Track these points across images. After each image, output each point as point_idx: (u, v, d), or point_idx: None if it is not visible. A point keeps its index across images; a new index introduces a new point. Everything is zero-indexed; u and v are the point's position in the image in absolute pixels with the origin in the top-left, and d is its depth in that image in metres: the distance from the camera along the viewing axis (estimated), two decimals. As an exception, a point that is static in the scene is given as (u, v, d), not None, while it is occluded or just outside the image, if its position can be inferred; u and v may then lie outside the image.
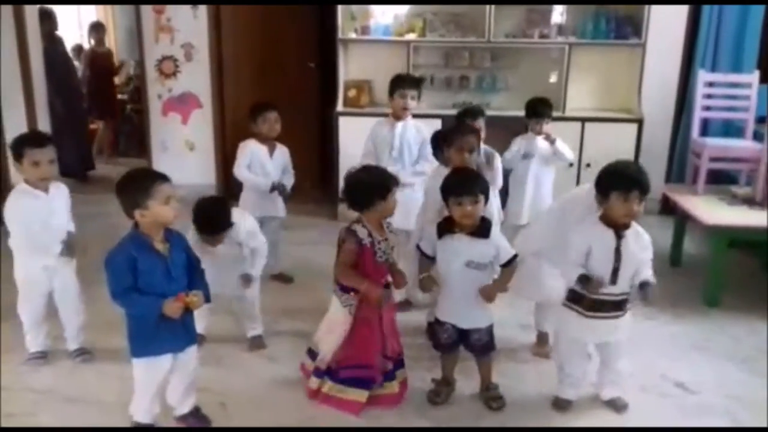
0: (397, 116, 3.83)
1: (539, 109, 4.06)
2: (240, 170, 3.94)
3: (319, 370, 2.81)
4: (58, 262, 3.01)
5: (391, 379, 2.81)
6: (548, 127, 4.00)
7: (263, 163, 3.96)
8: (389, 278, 2.80)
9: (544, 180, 4.04)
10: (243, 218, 3.15)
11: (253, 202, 3.94)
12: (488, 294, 2.68)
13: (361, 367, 2.74)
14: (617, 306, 2.63)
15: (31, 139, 2.93)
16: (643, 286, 2.56)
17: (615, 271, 2.54)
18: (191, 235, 2.88)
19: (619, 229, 2.56)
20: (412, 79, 3.95)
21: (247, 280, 3.14)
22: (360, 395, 2.73)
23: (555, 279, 2.77)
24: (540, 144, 3.96)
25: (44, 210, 2.93)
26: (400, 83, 3.84)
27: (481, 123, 3.65)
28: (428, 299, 3.28)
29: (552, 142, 3.96)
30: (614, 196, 2.51)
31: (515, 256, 2.70)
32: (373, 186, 2.68)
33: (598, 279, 2.54)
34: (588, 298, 2.60)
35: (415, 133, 3.85)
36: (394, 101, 3.83)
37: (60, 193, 3.04)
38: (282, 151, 4.06)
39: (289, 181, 4.06)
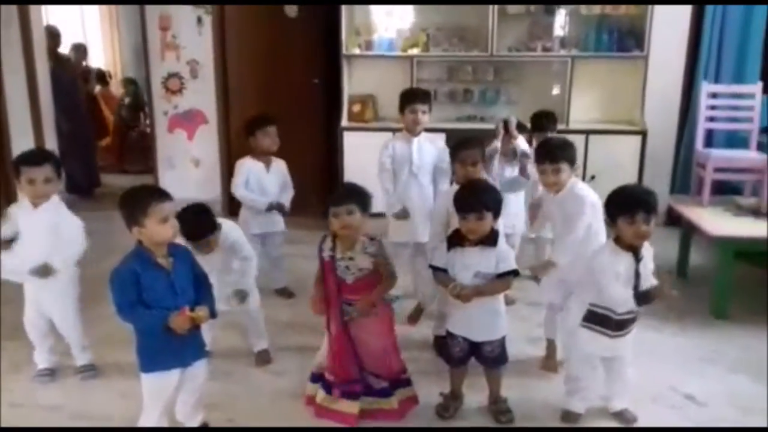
0: (411, 131, 3.80)
1: (542, 123, 4.09)
2: (238, 189, 3.94)
3: (315, 374, 2.82)
4: (43, 282, 2.96)
5: (388, 396, 2.75)
6: None
7: (260, 179, 3.96)
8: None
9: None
10: (231, 227, 3.15)
11: (251, 219, 3.96)
12: (462, 294, 2.61)
13: (342, 380, 2.73)
14: (634, 321, 2.65)
15: (27, 158, 2.92)
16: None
17: (636, 291, 2.53)
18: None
19: (635, 251, 2.55)
20: (422, 93, 3.90)
21: (240, 296, 3.11)
22: (351, 407, 2.71)
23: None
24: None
25: (31, 227, 2.92)
26: (411, 98, 3.78)
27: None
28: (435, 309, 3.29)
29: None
30: (620, 220, 2.52)
31: (513, 272, 2.70)
32: (328, 200, 2.68)
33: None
34: (614, 320, 2.59)
35: (430, 147, 3.82)
36: (405, 117, 3.77)
37: (51, 210, 2.95)
38: (279, 165, 4.05)
39: (287, 197, 4.05)
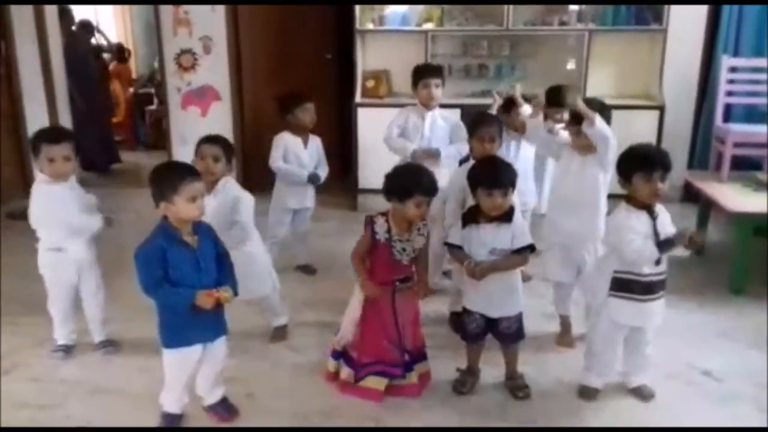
0: (426, 105, 3.82)
1: (558, 98, 4.03)
2: (276, 162, 3.92)
3: (336, 351, 2.82)
4: (79, 256, 3.02)
5: (410, 371, 2.78)
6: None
7: (298, 154, 3.95)
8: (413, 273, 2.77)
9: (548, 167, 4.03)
10: (240, 188, 3.10)
11: (286, 193, 3.97)
12: (475, 271, 2.62)
13: (376, 363, 2.74)
14: (663, 285, 2.63)
15: (47, 136, 2.91)
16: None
17: (657, 240, 2.52)
18: None
19: (650, 209, 2.55)
20: (434, 68, 3.94)
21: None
22: (378, 383, 2.73)
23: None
24: (562, 134, 3.92)
25: (64, 202, 2.93)
26: (423, 73, 3.82)
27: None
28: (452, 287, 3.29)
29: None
30: (636, 177, 2.52)
31: (530, 246, 2.69)
32: (395, 185, 2.63)
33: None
34: (641, 282, 2.58)
35: (443, 123, 3.84)
36: (419, 91, 3.80)
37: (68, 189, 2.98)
38: (316, 142, 4.05)
39: (323, 172, 4.06)
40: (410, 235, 2.67)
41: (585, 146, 2.96)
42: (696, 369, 3.01)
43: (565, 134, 3.90)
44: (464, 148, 3.60)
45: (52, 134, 2.95)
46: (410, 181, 2.60)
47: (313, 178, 3.96)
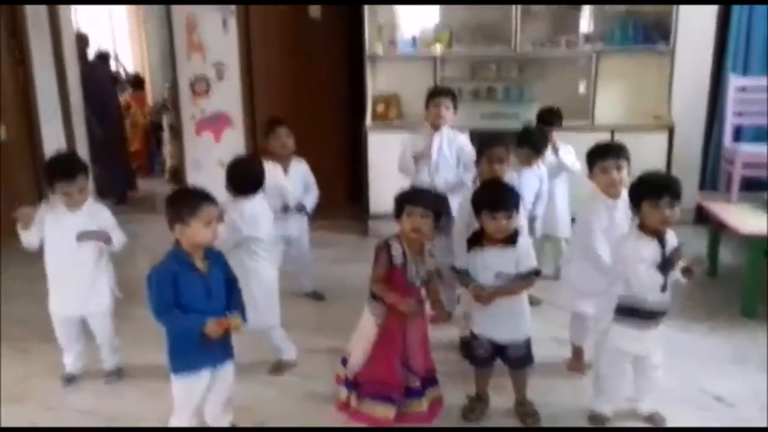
0: (434, 125, 3.85)
1: (547, 119, 4.11)
2: None
3: (348, 380, 2.78)
4: (89, 294, 3.05)
5: (420, 396, 2.72)
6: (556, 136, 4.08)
7: (277, 181, 3.79)
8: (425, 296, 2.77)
9: (555, 191, 4.06)
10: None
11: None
12: (482, 296, 2.64)
13: (381, 383, 2.69)
14: (666, 313, 2.63)
15: (62, 172, 2.93)
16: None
17: (665, 279, 2.53)
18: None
19: (660, 237, 2.55)
20: (446, 89, 3.99)
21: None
22: (387, 411, 2.68)
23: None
24: (548, 155, 3.95)
25: (74, 230, 2.96)
26: (434, 93, 3.90)
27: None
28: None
29: (555, 151, 3.98)
30: (645, 204, 2.53)
31: (535, 271, 2.70)
32: (395, 203, 2.65)
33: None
34: (644, 310, 2.58)
35: (451, 144, 3.85)
36: (429, 111, 3.85)
37: (85, 213, 3.01)
38: (300, 167, 3.99)
39: (310, 198, 4.00)
40: (422, 258, 2.68)
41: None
42: (708, 394, 3.00)
43: (550, 156, 3.98)
44: (469, 177, 3.63)
45: (67, 169, 2.95)
46: (402, 196, 2.64)
47: (299, 208, 3.93)
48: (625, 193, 2.77)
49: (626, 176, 2.88)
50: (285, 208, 3.87)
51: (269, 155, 3.89)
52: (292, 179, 3.96)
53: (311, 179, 4.05)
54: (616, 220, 2.89)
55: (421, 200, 2.60)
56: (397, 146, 3.99)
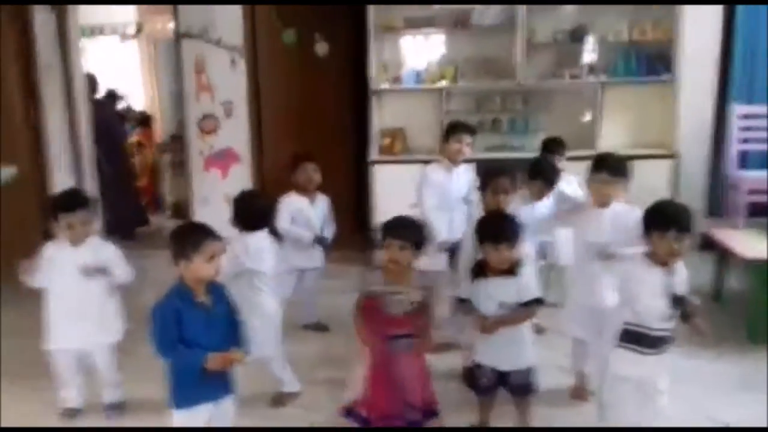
0: (453, 161, 3.89)
1: (551, 147, 4.14)
2: (282, 224, 3.91)
3: (348, 410, 2.74)
4: (92, 332, 3.07)
5: (420, 428, 2.68)
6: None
7: (306, 214, 4.02)
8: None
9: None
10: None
11: (293, 254, 3.99)
12: (485, 326, 2.64)
13: (383, 416, 2.66)
14: (670, 340, 2.60)
15: (64, 204, 3.00)
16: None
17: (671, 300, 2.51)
18: None
19: (667, 266, 2.52)
20: (470, 126, 4.05)
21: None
22: None
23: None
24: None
25: (77, 264, 2.99)
26: (458, 128, 3.93)
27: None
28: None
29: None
30: (653, 234, 2.51)
31: (537, 300, 2.69)
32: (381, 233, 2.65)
33: None
34: (650, 336, 2.56)
35: (465, 179, 3.91)
36: (450, 146, 3.88)
37: (90, 249, 3.04)
38: (323, 202, 4.13)
39: (329, 232, 4.12)
40: (404, 287, 2.62)
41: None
42: (716, 421, 2.97)
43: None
44: (473, 212, 3.64)
45: (69, 202, 3.02)
46: (382, 227, 2.66)
47: (320, 241, 4.03)
48: (615, 205, 2.86)
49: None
50: (318, 240, 4.01)
51: (295, 188, 4.02)
52: (317, 212, 4.08)
53: (330, 215, 4.17)
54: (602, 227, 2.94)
55: (398, 232, 2.59)
56: (402, 179, 4.04)
